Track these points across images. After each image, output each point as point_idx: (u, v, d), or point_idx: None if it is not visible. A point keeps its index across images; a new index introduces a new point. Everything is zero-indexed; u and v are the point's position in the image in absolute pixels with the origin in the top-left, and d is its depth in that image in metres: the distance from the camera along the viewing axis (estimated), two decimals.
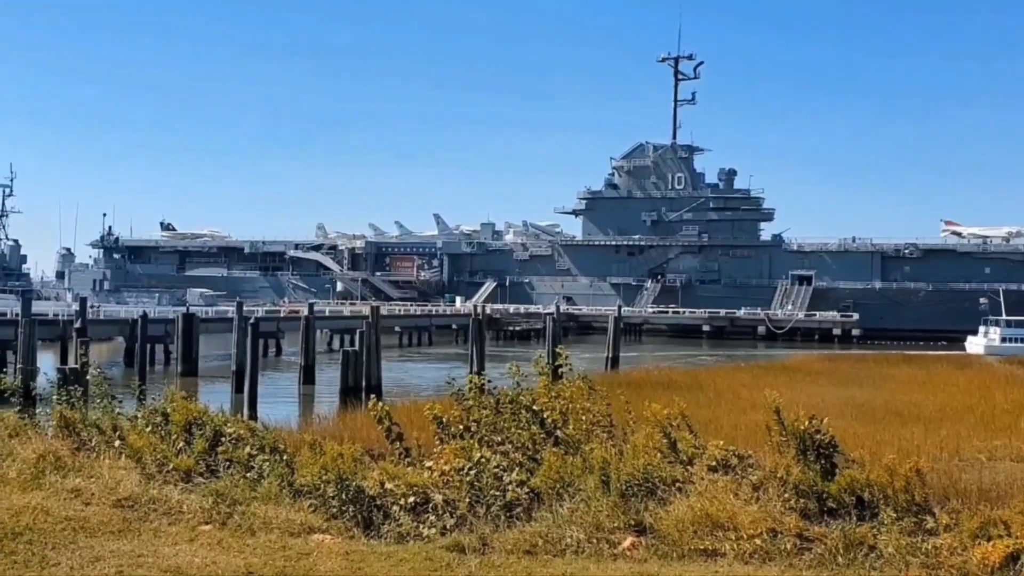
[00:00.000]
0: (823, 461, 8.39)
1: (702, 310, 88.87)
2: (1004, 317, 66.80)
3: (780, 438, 8.57)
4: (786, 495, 7.86)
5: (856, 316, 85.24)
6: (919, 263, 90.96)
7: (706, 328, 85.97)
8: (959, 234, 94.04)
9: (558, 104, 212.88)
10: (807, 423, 8.47)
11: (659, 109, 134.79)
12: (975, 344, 65.14)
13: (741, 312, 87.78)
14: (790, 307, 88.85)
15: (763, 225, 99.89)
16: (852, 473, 8.09)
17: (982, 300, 68.94)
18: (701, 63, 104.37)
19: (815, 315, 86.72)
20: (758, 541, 6.56)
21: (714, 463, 8.17)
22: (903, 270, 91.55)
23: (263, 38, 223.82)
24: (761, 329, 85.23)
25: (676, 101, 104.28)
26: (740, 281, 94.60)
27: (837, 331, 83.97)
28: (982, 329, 67.46)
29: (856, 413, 18.55)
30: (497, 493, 7.27)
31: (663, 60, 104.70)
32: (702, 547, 6.42)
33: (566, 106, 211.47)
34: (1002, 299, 67.59)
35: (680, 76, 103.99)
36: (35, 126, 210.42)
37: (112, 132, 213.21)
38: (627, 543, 6.45)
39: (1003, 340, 63.99)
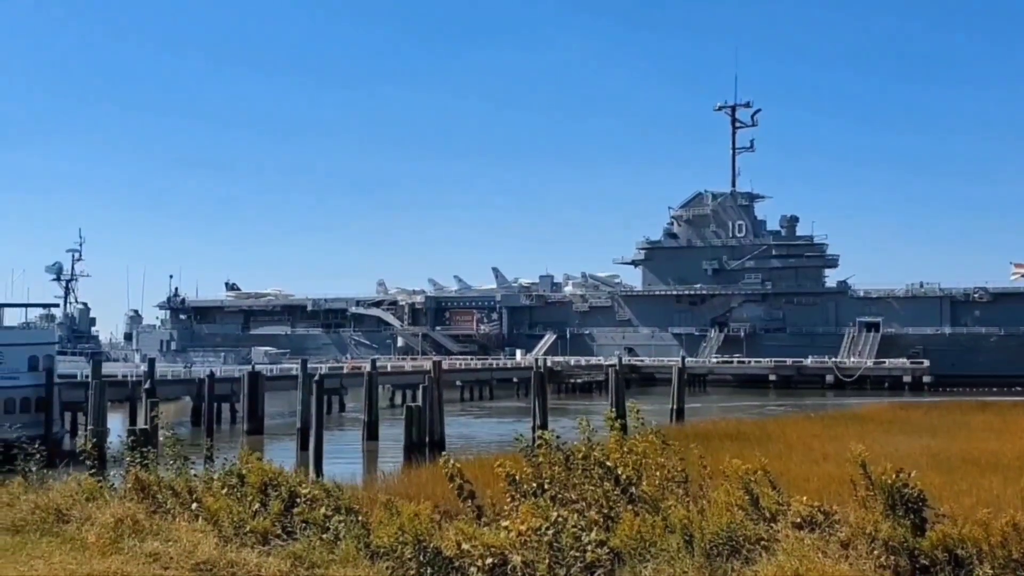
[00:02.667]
0: (912, 516, 8.10)
1: (768, 359, 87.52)
2: None
3: (867, 492, 8.30)
4: (876, 552, 7.59)
5: (926, 363, 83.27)
6: (989, 307, 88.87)
7: (772, 377, 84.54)
8: None
9: (615, 155, 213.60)
10: (894, 477, 8.19)
11: (717, 157, 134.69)
12: None
13: (808, 361, 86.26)
14: (858, 355, 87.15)
15: (827, 272, 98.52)
16: (944, 528, 7.79)
17: None
18: (759, 110, 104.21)
19: (884, 362, 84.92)
20: None
21: (799, 520, 7.93)
22: (973, 315, 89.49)
23: (317, 109, 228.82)
24: (829, 378, 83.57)
25: (734, 149, 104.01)
26: (806, 329, 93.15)
27: (907, 378, 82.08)
28: None
29: (931, 462, 18.02)
30: (577, 554, 7.10)
31: (720, 108, 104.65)
32: None
33: (623, 156, 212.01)
34: None
35: (738, 124, 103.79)
36: (103, 193, 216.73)
37: (177, 198, 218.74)
38: None
39: None
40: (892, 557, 7.39)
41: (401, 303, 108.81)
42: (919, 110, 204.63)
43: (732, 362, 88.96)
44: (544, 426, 31.29)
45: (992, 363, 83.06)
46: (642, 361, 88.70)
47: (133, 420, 42.93)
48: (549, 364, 60.78)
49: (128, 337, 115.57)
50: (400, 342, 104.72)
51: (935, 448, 20.96)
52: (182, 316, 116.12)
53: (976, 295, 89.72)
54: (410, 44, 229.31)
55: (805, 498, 8.24)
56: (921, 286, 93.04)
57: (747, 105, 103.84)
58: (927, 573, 7.42)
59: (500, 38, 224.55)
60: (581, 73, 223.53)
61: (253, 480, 8.47)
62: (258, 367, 53.90)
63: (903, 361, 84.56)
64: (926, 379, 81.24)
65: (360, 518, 7.85)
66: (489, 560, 7.11)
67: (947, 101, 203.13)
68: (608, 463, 9.35)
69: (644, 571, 6.74)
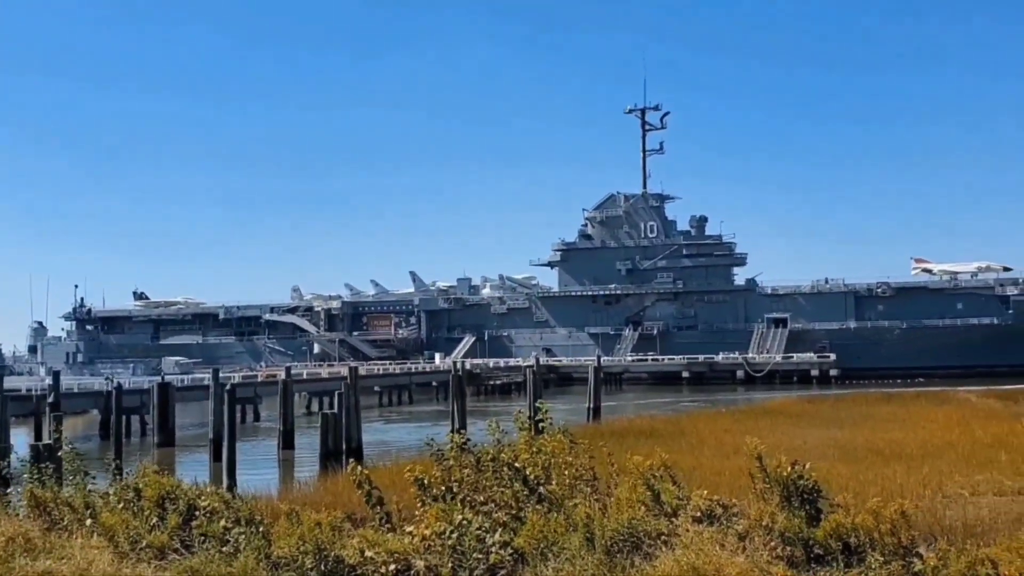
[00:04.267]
0: (808, 507, 8.33)
1: (681, 356, 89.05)
2: None
3: (764, 485, 8.51)
4: (772, 543, 7.79)
5: (833, 356, 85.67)
6: (892, 301, 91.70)
7: (685, 374, 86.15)
8: (930, 271, 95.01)
9: (530, 157, 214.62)
10: (790, 469, 8.42)
11: (629, 160, 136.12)
12: None
13: (719, 357, 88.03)
14: (767, 350, 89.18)
15: (736, 270, 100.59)
16: (837, 518, 8.02)
17: None
18: (667, 113, 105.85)
19: (792, 357, 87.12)
20: None
21: (699, 514, 8.09)
22: (877, 309, 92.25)
23: (225, 117, 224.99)
24: (740, 373, 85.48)
25: (645, 151, 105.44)
26: (717, 326, 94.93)
27: (815, 372, 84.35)
28: None
29: (838, 454, 18.50)
30: (480, 556, 7.13)
31: (630, 111, 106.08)
32: None
33: (539, 159, 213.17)
34: None
35: (648, 127, 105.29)
36: (1, 198, 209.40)
37: (79, 203, 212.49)
38: None
39: None
40: (787, 548, 7.59)
41: (317, 309, 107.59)
42: (823, 102, 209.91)
43: (647, 360, 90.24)
44: (463, 428, 31.29)
45: (895, 356, 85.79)
46: (560, 361, 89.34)
47: (39, 436, 41.59)
48: (468, 367, 60.71)
49: (32, 350, 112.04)
50: (316, 349, 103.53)
51: (842, 439, 21.54)
52: (88, 327, 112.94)
53: (879, 290, 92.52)
54: (317, 53, 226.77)
55: (705, 492, 8.42)
56: (826, 282, 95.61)
57: (656, 108, 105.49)
58: (820, 562, 7.64)
59: (411, 45, 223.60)
60: (494, 77, 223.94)
61: (150, 494, 8.29)
62: (168, 377, 52.67)
63: (810, 355, 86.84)
64: (833, 372, 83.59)
65: (261, 529, 7.76)
66: (392, 566, 7.11)
67: (851, 91, 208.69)
68: (517, 464, 9.39)
69: (545, 571, 6.80)
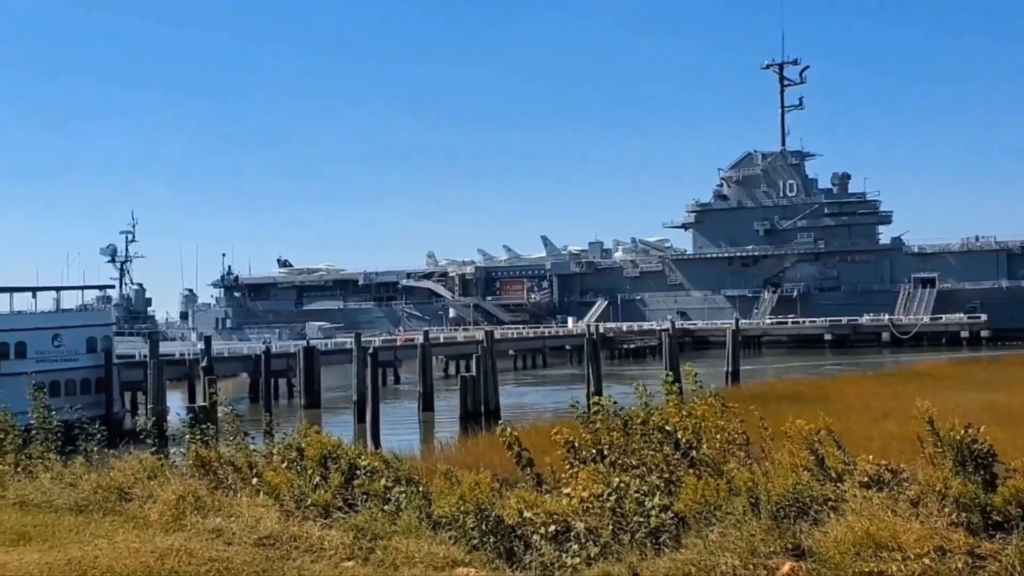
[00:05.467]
0: (982, 472, 7.89)
1: (822, 319, 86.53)
2: None
3: (934, 449, 8.09)
4: (947, 509, 7.39)
5: (984, 317, 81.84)
6: None
7: (828, 337, 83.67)
8: None
9: (662, 118, 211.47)
10: (963, 432, 7.98)
11: (767, 116, 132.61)
12: None
13: (863, 319, 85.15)
14: (914, 311, 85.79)
15: (881, 229, 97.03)
16: (1017, 483, 7.55)
17: None
18: (807, 67, 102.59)
19: (941, 318, 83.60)
20: (926, 560, 6.13)
21: (866, 479, 7.74)
22: None
23: (361, 83, 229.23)
24: (885, 335, 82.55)
25: (783, 107, 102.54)
26: (860, 287, 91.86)
27: (965, 333, 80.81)
28: None
29: (994, 418, 17.61)
30: (641, 519, 6.99)
31: (767, 67, 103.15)
32: (867, 570, 6.02)
33: (670, 120, 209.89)
34: None
35: (786, 82, 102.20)
36: (154, 175, 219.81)
37: (227, 177, 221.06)
38: (786, 568, 6.10)
39: None
40: (964, 514, 7.18)
41: (451, 274, 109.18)
42: (971, 60, 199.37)
43: (786, 323, 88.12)
44: (598, 392, 31.23)
45: None
46: (695, 325, 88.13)
47: (192, 398, 43.67)
48: (601, 330, 60.58)
49: (184, 316, 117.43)
50: (451, 313, 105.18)
51: (997, 403, 20.55)
52: (236, 294, 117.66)
53: None
54: (446, 18, 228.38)
55: (871, 457, 8.06)
56: (976, 240, 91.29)
57: (795, 63, 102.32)
58: (1000, 529, 7.22)
59: (540, 10, 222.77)
60: (625, 39, 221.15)
61: (312, 453, 8.47)
62: (312, 342, 54.47)
63: (960, 316, 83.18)
64: (984, 333, 79.96)
65: (421, 488, 7.83)
66: (552, 527, 7.04)
67: (1000, 50, 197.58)
68: (668, 427, 9.22)
69: (711, 535, 6.62)
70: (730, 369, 49.71)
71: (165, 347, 50.76)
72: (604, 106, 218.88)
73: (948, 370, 36.04)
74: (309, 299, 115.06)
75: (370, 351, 41.14)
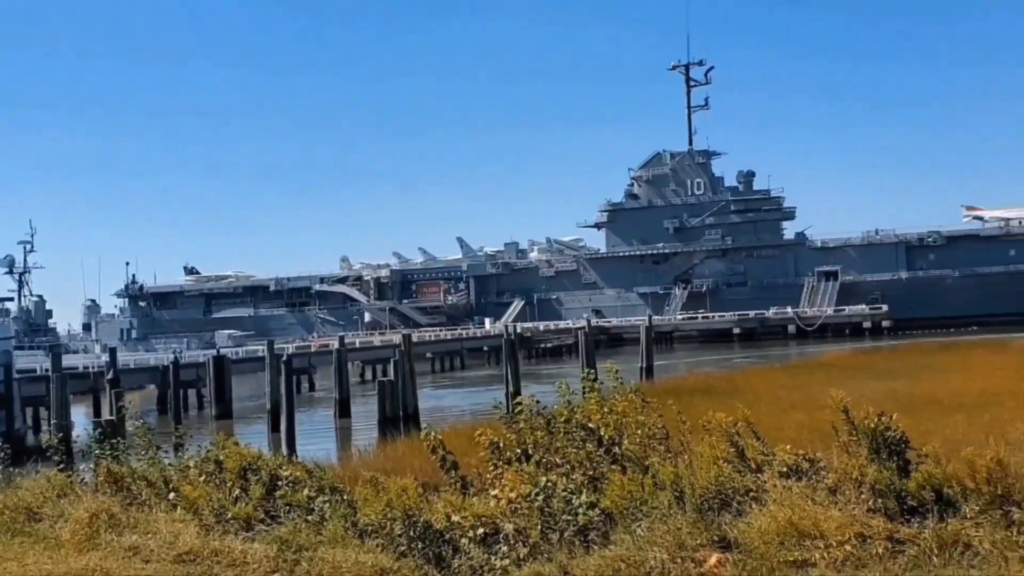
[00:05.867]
0: (896, 459, 8.10)
1: (731, 313, 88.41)
2: None
3: (849, 437, 8.29)
4: (864, 496, 7.58)
5: (885, 308, 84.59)
6: (943, 250, 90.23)
7: (736, 331, 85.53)
8: (981, 218, 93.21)
9: (572, 121, 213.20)
10: (877, 420, 8.19)
11: (675, 117, 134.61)
12: None
13: (770, 312, 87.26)
14: (818, 304, 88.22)
15: (785, 224, 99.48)
16: (929, 468, 7.78)
17: None
18: (711, 68, 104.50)
19: (844, 310, 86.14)
20: (848, 547, 6.28)
21: (785, 469, 7.90)
22: (928, 258, 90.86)
23: (267, 92, 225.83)
24: (791, 328, 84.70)
25: (690, 107, 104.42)
26: (766, 281, 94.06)
27: (867, 324, 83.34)
28: None
29: (897, 406, 18.08)
30: (569, 518, 7.01)
31: (674, 68, 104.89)
32: (791, 558, 6.14)
33: (581, 122, 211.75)
34: None
35: (692, 82, 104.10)
36: (53, 183, 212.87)
37: (130, 181, 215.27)
38: (713, 560, 6.18)
39: None
40: (880, 500, 7.37)
41: (366, 278, 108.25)
42: (869, 52, 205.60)
43: (697, 318, 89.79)
44: (517, 392, 31.30)
45: (948, 305, 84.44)
46: (609, 322, 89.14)
47: (97, 412, 42.34)
48: (519, 331, 60.72)
49: (87, 328, 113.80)
50: (367, 317, 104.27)
51: (899, 391, 21.16)
52: (141, 303, 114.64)
53: (930, 239, 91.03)
54: (354, 24, 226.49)
55: (789, 447, 8.22)
56: (876, 233, 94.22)
57: (700, 63, 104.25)
58: (915, 514, 7.42)
59: (450, 11, 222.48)
60: (533, 39, 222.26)
61: (231, 465, 8.27)
62: (223, 350, 53.29)
63: (862, 307, 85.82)
64: (885, 324, 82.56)
65: (345, 497, 7.71)
66: (480, 530, 7.01)
67: (897, 40, 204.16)
68: (590, 424, 9.27)
69: (638, 530, 6.67)
70: (644, 365, 50.28)
71: (68, 360, 49.04)
72: (516, 108, 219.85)
73: (852, 360, 37.02)
74: (218, 307, 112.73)
75: (283, 358, 40.47)
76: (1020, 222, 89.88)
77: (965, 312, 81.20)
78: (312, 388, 55.88)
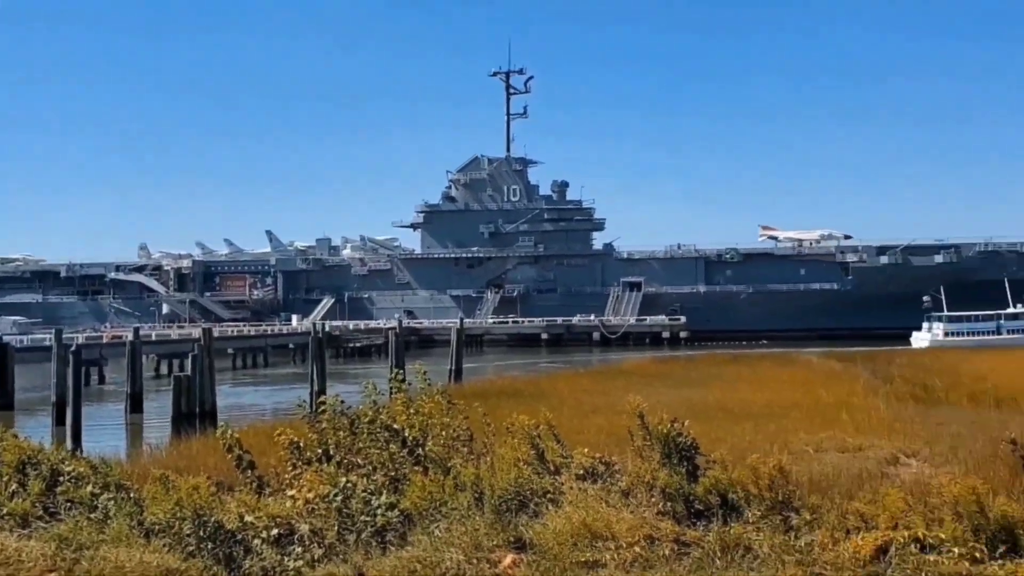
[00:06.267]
0: (686, 463, 8.47)
1: (540, 319, 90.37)
2: (946, 313, 70.09)
3: (644, 442, 8.60)
4: (655, 499, 7.88)
5: (683, 319, 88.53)
6: (740, 266, 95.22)
7: (544, 336, 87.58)
8: (775, 238, 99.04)
9: (394, 121, 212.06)
10: (669, 426, 8.53)
11: (494, 123, 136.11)
12: (920, 339, 68.41)
13: (576, 319, 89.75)
14: (622, 313, 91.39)
15: (595, 235, 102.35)
16: (716, 474, 8.17)
17: (925, 298, 72.34)
18: (531, 77, 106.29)
19: (646, 319, 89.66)
20: (637, 549, 6.51)
21: (582, 471, 8.11)
22: (725, 274, 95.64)
23: (71, 61, 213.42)
24: (596, 335, 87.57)
25: (509, 115, 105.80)
26: (575, 289, 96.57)
27: (666, 334, 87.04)
28: (925, 325, 70.66)
29: (690, 412, 18.88)
30: (367, 519, 6.95)
31: (495, 74, 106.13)
32: (583, 559, 6.31)
33: (402, 123, 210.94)
34: (943, 296, 70.68)
35: (512, 90, 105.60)
36: None
37: None
38: (508, 561, 6.27)
39: (946, 335, 67.63)
40: (670, 503, 7.68)
41: (166, 268, 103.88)
42: (678, 85, 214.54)
43: (507, 322, 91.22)
44: (323, 392, 30.80)
45: (742, 318, 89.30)
46: (421, 324, 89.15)
47: None
48: (327, 329, 59.75)
49: None
50: (165, 309, 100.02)
51: (693, 399, 21.99)
52: None
53: (728, 256, 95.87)
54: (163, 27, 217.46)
55: (587, 450, 8.45)
56: (679, 247, 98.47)
57: (521, 72, 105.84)
58: (701, 517, 7.78)
59: (279, 10, 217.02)
60: (356, 40, 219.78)
61: (9, 459, 7.73)
62: (6, 338, 49.83)
63: (662, 318, 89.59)
64: (683, 334, 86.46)
65: (132, 495, 7.35)
66: (275, 531, 6.84)
67: (708, 56, 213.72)
68: (395, 425, 9.23)
69: (436, 531, 6.68)
70: (453, 367, 50.57)
71: None
72: (336, 109, 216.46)
73: (651, 368, 38.24)
74: (3, 292, 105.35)
75: (72, 348, 38.24)
76: (811, 243, 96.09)
77: (757, 326, 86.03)
78: (103, 381, 53.01)
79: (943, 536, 6.69)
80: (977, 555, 6.58)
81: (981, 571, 6.33)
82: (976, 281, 78.88)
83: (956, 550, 6.56)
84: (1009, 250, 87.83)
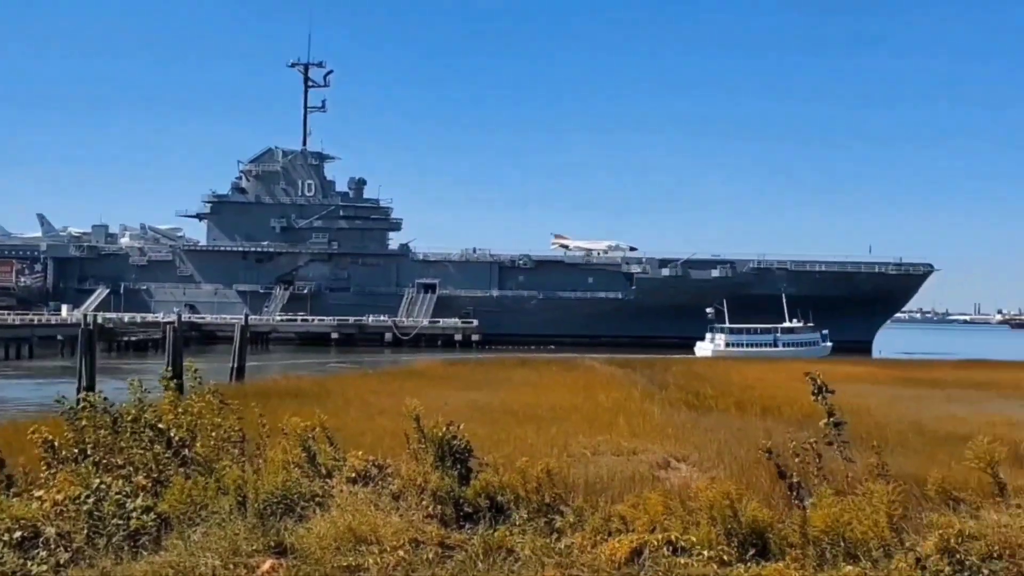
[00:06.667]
0: (460, 466, 8.55)
1: (331, 318, 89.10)
2: (728, 325, 74.60)
3: (419, 445, 8.62)
4: (425, 503, 7.91)
5: (476, 322, 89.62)
6: (532, 273, 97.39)
7: (335, 335, 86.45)
8: (566, 247, 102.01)
9: (186, 105, 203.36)
10: (445, 429, 8.59)
11: (291, 115, 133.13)
12: (703, 349, 71.84)
13: (369, 319, 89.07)
14: (415, 314, 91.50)
15: (391, 235, 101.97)
16: (487, 477, 8.29)
17: (709, 310, 76.18)
18: (331, 71, 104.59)
19: (439, 322, 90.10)
20: (401, 553, 6.49)
21: (354, 474, 8.05)
22: (518, 279, 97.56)
23: None
24: (388, 336, 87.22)
25: (306, 108, 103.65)
26: (369, 289, 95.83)
27: (459, 337, 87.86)
28: (708, 336, 75.03)
29: (477, 415, 19.10)
30: (120, 522, 6.61)
31: (293, 65, 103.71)
32: (345, 564, 6.23)
33: (195, 109, 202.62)
34: (725, 308, 74.54)
35: (310, 83, 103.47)
36: None
37: None
38: (266, 566, 6.10)
39: (727, 345, 72.29)
40: (439, 507, 7.72)
41: None
42: (479, 95, 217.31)
43: (296, 320, 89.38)
44: (91, 387, 29.15)
45: (532, 323, 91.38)
46: (204, 319, 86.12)
47: None
48: (100, 320, 56.50)
49: None
50: None
51: (481, 401, 22.24)
52: None
53: (521, 262, 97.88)
54: None
55: (361, 453, 8.38)
56: (474, 251, 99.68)
57: (320, 65, 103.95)
58: (471, 520, 7.87)
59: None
60: (155, 14, 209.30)
61: None
62: None
63: (455, 321, 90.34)
64: (475, 337, 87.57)
65: None
66: (18, 533, 6.40)
67: (507, 69, 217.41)
68: (160, 425, 8.86)
69: (193, 535, 6.44)
70: (236, 365, 48.96)
71: None
72: (119, 88, 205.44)
73: (441, 370, 38.40)
74: None
75: None
76: (599, 254, 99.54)
77: (546, 331, 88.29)
78: None
79: (694, 539, 7.04)
80: (725, 557, 6.96)
81: (727, 573, 6.69)
82: (754, 295, 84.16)
83: (706, 553, 6.91)
84: (779, 267, 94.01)
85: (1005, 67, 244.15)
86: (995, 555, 7.22)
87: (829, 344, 74.24)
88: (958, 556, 7.08)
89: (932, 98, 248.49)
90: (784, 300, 77.71)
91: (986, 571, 6.97)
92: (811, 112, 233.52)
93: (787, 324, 76.71)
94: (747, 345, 72.38)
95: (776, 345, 73.17)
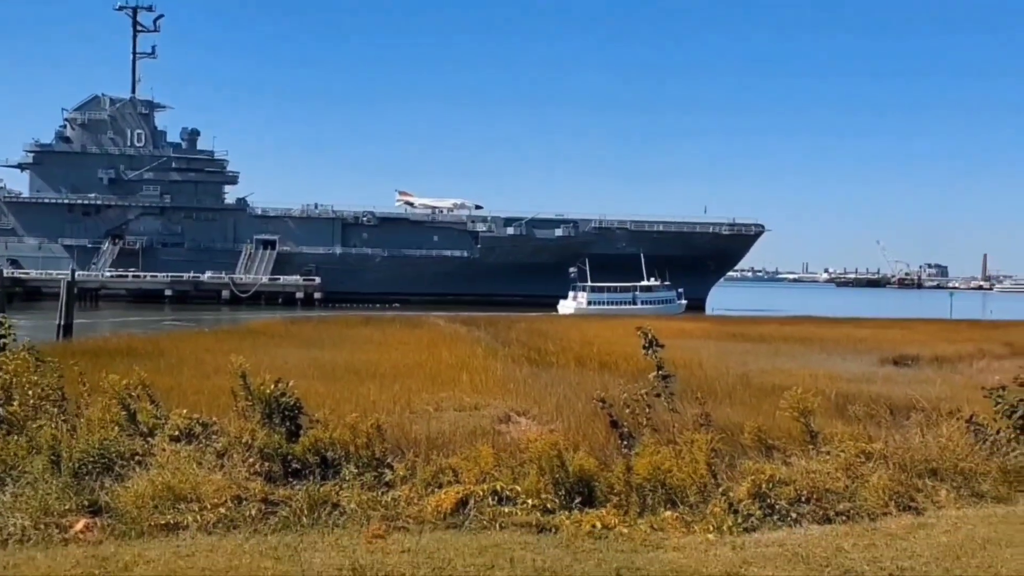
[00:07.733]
0: (289, 423, 8.48)
1: (164, 274, 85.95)
2: (590, 283, 76.17)
3: (246, 403, 8.50)
4: (251, 460, 7.81)
5: (318, 280, 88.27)
6: (375, 230, 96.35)
7: (169, 292, 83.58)
8: (411, 204, 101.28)
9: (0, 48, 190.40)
10: (273, 387, 8.50)
11: (119, 62, 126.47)
12: (566, 307, 72.69)
13: (205, 276, 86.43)
14: (255, 271, 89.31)
15: (228, 188, 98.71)
16: (316, 433, 8.26)
17: (571, 269, 77.08)
18: (161, 16, 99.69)
19: (279, 279, 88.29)
20: (222, 510, 6.41)
21: (177, 433, 7.87)
22: (362, 237, 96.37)
23: None
24: (226, 293, 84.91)
25: (135, 53, 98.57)
26: (204, 245, 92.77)
27: (300, 294, 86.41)
28: (571, 294, 76.46)
29: (318, 373, 18.92)
30: None
31: (121, 9, 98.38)
32: (163, 522, 6.10)
33: (11, 52, 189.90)
34: (588, 267, 75.29)
35: (139, 27, 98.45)
36: None
37: None
38: (80, 526, 5.91)
39: (589, 303, 73.90)
40: (266, 463, 7.65)
41: None
42: (329, 26, 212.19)
43: (127, 276, 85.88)
44: None
45: (376, 281, 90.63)
46: (27, 274, 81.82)
47: None
48: None
49: None
50: None
51: (322, 359, 22.02)
52: None
53: (365, 219, 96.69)
54: None
55: (184, 411, 8.19)
56: (316, 207, 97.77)
57: (149, 8, 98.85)
58: (298, 476, 7.83)
59: None
60: None
61: None
62: None
63: (296, 278, 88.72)
64: (317, 295, 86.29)
65: None
66: None
67: (355, 19, 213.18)
68: None
69: (3, 496, 6.16)
70: (62, 323, 46.72)
71: None
72: None
73: (282, 328, 37.69)
74: None
75: None
76: (445, 211, 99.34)
77: (390, 289, 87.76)
78: None
79: (519, 489, 7.22)
80: (549, 505, 7.18)
81: (549, 520, 6.90)
82: (615, 255, 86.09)
83: (530, 501, 7.11)
84: (619, 227, 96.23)
85: (823, 39, 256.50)
86: (803, 499, 7.72)
87: (684, 302, 77.05)
88: (769, 500, 7.53)
89: (764, 74, 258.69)
90: (643, 260, 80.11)
91: (794, 514, 7.45)
92: (650, 88, 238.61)
93: (645, 283, 79.23)
94: (608, 303, 74.48)
95: (635, 303, 75.49)
